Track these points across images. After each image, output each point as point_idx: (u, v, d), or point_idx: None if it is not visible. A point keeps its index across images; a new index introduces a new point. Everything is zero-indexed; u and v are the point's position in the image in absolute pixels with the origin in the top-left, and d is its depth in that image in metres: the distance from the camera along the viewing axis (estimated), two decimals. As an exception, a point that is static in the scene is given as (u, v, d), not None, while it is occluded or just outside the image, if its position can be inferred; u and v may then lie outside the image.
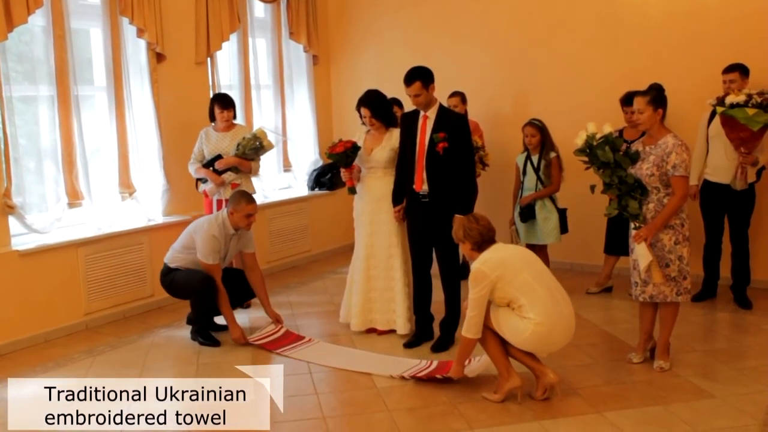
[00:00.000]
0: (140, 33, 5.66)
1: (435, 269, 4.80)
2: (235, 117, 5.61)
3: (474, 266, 3.89)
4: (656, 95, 4.15)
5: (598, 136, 4.18)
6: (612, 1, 6.28)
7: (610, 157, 4.12)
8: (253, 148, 5.41)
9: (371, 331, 5.04)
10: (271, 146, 5.53)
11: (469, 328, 3.87)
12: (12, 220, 5.01)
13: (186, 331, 5.08)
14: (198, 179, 5.57)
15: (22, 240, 5.09)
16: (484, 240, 3.93)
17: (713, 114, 5.33)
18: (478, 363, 4.18)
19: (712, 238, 5.54)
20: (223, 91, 6.37)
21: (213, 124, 5.59)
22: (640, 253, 4.11)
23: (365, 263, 4.97)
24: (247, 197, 4.93)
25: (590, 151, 4.20)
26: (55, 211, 5.29)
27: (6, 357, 4.82)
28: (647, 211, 4.15)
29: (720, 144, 5.27)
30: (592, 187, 4.45)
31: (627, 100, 5.37)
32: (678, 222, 4.13)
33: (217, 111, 5.48)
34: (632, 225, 4.18)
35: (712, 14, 5.84)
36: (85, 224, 5.47)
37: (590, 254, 6.43)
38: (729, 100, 4.88)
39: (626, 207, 4.14)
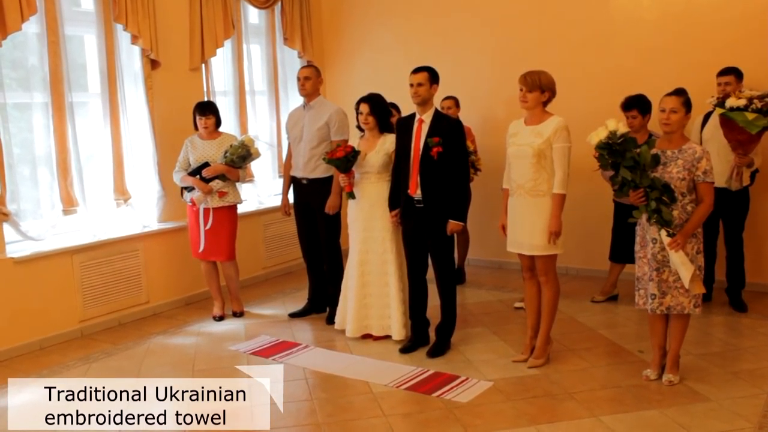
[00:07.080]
0: (134, 39, 5.65)
1: (430, 274, 4.79)
2: (219, 125, 5.53)
3: (561, 120, 4.22)
4: (688, 98, 4.00)
5: (618, 132, 3.91)
6: (605, 4, 6.30)
7: (648, 158, 3.91)
8: (241, 156, 5.38)
9: (367, 336, 5.04)
10: (258, 154, 5.48)
11: (565, 184, 4.23)
12: (6, 228, 5.00)
13: (182, 338, 5.06)
14: (183, 188, 5.51)
15: (16, 247, 5.08)
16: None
17: (706, 118, 5.35)
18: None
19: (707, 241, 5.47)
20: (217, 97, 6.40)
21: (198, 132, 5.54)
22: (680, 262, 3.90)
23: (359, 269, 4.96)
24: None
25: (611, 148, 3.91)
26: (50, 218, 5.29)
27: (1, 364, 4.80)
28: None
29: (714, 147, 5.25)
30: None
31: (627, 105, 5.33)
32: (699, 231, 4.00)
33: (197, 118, 5.43)
34: (664, 232, 3.90)
35: (706, 17, 5.86)
36: (80, 231, 5.46)
37: (586, 258, 6.43)
38: (729, 103, 4.87)
39: (660, 212, 3.88)
